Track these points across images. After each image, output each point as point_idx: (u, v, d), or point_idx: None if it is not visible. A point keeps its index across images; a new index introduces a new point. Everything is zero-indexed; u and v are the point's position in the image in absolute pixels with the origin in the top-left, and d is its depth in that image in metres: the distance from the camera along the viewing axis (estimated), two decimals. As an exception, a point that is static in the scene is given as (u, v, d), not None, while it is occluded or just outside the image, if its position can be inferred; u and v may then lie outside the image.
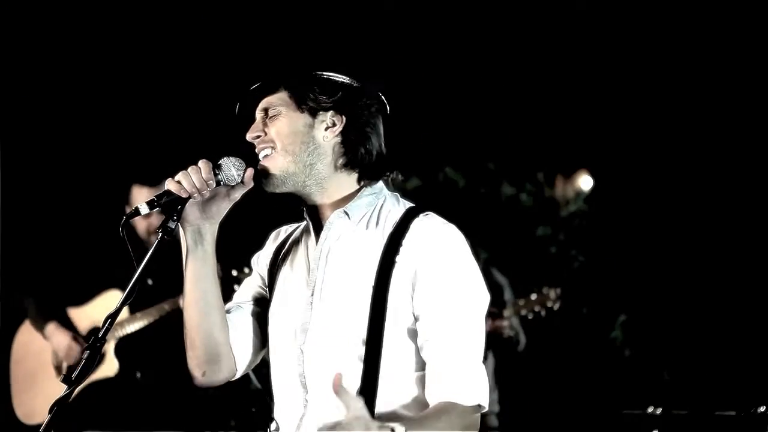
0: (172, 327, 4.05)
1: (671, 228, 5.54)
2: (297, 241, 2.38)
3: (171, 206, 2.20)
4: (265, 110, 2.31)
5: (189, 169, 2.21)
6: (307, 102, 2.28)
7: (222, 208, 2.27)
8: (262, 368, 2.49)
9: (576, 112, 5.84)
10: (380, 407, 2.18)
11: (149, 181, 4.50)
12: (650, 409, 3.82)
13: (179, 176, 2.21)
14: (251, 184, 2.27)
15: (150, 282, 4.34)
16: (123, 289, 4.37)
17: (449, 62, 5.54)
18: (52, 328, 4.42)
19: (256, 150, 2.29)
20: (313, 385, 2.24)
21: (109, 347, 4.32)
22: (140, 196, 4.44)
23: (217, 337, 2.28)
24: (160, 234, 2.19)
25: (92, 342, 2.10)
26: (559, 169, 6.44)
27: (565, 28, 5.24)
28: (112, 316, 2.16)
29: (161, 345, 4.20)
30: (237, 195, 2.28)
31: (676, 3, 4.99)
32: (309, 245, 2.33)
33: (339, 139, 2.29)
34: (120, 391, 4.28)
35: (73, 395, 4.63)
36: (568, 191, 6.46)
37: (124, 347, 4.33)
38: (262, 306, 2.38)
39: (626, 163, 5.72)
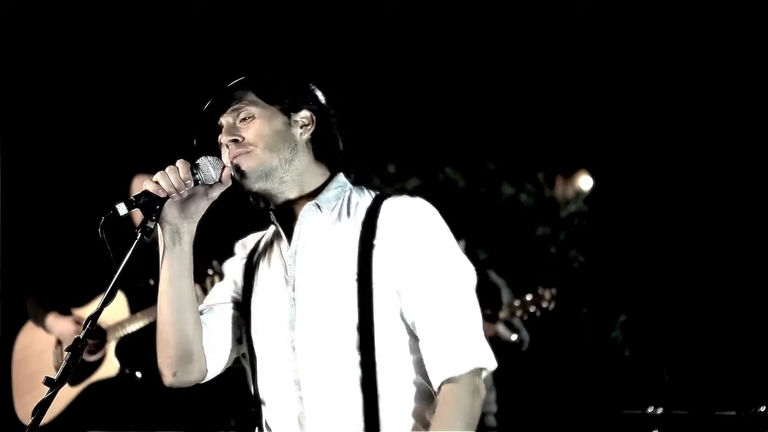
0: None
1: (671, 228, 5.54)
2: (269, 244, 2.40)
3: (149, 206, 2.21)
4: (236, 114, 2.32)
5: (167, 169, 2.23)
6: (281, 103, 2.32)
7: (200, 207, 2.28)
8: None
9: (576, 112, 5.84)
10: (382, 392, 2.18)
11: (151, 171, 4.51)
12: (650, 409, 3.83)
13: (157, 176, 2.23)
14: (229, 183, 2.29)
15: (152, 282, 4.34)
16: (123, 288, 4.40)
17: (449, 62, 5.55)
18: (52, 318, 4.42)
19: (232, 152, 2.29)
20: (308, 382, 2.23)
21: (110, 347, 4.32)
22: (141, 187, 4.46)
23: (190, 336, 2.29)
24: (139, 234, 2.20)
25: (73, 343, 2.10)
26: (559, 169, 6.44)
27: (565, 29, 5.24)
28: (93, 317, 2.16)
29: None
30: (215, 194, 2.29)
31: (676, 3, 4.99)
32: (282, 245, 2.34)
33: (312, 136, 2.34)
34: (120, 391, 4.28)
35: (74, 396, 4.63)
36: (568, 191, 6.46)
37: (124, 347, 4.34)
38: (234, 309, 2.39)
39: (626, 163, 5.72)
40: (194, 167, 2.25)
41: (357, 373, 2.19)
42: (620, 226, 5.84)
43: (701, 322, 5.39)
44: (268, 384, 2.32)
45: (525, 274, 5.60)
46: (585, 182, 6.40)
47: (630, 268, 5.75)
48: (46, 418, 4.65)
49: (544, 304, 4.72)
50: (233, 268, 2.44)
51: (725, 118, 5.23)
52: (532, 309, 4.74)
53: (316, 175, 2.34)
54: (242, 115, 2.31)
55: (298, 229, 2.30)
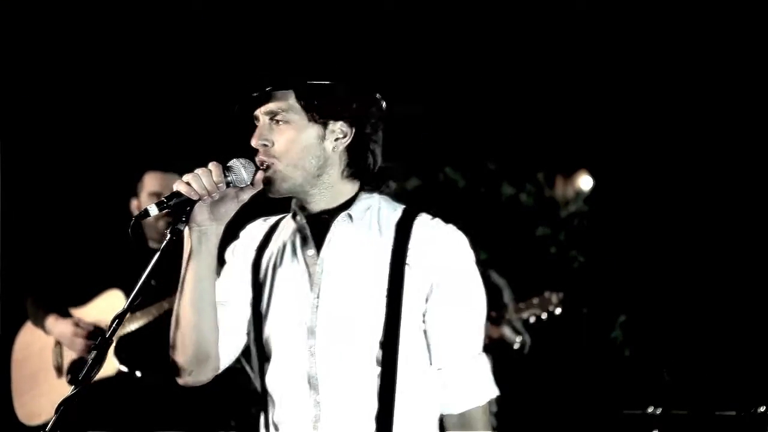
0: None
1: (671, 228, 5.54)
2: (288, 241, 2.37)
3: (180, 207, 2.19)
4: (272, 115, 2.28)
5: (199, 171, 2.20)
6: (320, 112, 2.26)
7: (230, 209, 2.26)
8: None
9: (576, 112, 5.84)
10: (398, 409, 2.21)
11: (161, 167, 4.53)
12: (650, 409, 3.83)
13: (189, 178, 2.19)
14: (260, 187, 2.26)
15: (153, 282, 4.33)
16: (124, 288, 4.40)
17: (449, 62, 5.54)
18: (52, 320, 4.41)
19: (260, 156, 2.27)
20: (325, 387, 2.24)
21: (110, 347, 4.32)
22: (153, 182, 4.47)
23: (209, 338, 2.29)
24: (169, 235, 2.18)
25: (99, 342, 2.10)
26: (559, 169, 6.44)
27: (565, 28, 5.23)
28: (119, 317, 2.15)
29: (161, 344, 4.19)
30: (245, 197, 2.27)
31: (676, 3, 4.99)
32: (306, 247, 2.32)
33: (347, 148, 2.29)
34: (120, 391, 4.27)
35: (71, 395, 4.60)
36: (568, 191, 6.46)
37: (123, 347, 4.33)
38: (243, 303, 2.38)
39: (626, 163, 5.72)
40: (226, 169, 2.22)
41: (375, 384, 2.21)
42: (620, 226, 5.84)
43: (701, 322, 5.39)
44: (281, 384, 2.32)
45: (525, 274, 5.60)
46: (585, 182, 6.40)
47: (630, 268, 5.74)
48: (45, 417, 4.67)
49: (551, 308, 4.73)
50: (241, 257, 2.41)
51: (726, 118, 5.23)
52: (538, 312, 4.75)
53: (347, 187, 2.32)
54: (277, 118, 2.27)
55: (329, 237, 2.28)
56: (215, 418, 4.40)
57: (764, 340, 5.03)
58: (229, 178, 2.22)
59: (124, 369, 4.24)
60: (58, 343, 4.42)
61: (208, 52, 5.16)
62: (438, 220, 2.31)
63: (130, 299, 2.20)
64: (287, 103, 2.26)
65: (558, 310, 4.74)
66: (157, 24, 5.18)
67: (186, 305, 2.28)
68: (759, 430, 3.52)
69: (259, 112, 2.29)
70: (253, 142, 2.28)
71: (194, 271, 2.26)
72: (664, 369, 5.53)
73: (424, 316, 2.26)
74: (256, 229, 2.44)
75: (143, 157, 4.78)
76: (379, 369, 2.21)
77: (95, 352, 2.10)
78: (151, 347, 4.33)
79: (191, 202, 2.19)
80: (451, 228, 2.31)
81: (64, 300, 4.47)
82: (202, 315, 2.27)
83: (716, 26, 4.96)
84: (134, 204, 4.56)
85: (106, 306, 4.39)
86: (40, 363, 4.46)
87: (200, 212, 2.22)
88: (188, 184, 2.18)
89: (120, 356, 4.30)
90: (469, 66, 5.62)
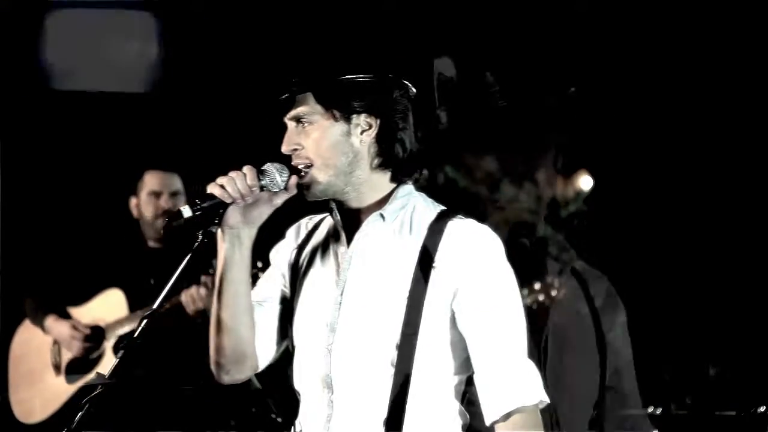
0: (171, 326, 4.06)
1: (671, 228, 5.54)
2: (324, 238, 2.38)
3: (213, 210, 2.20)
4: (297, 120, 2.28)
5: (234, 174, 2.21)
6: (341, 109, 2.26)
7: (263, 213, 2.27)
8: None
9: (576, 112, 5.83)
10: (410, 413, 2.18)
11: (161, 166, 4.55)
12: (650, 409, 3.82)
13: (224, 181, 2.21)
14: (294, 191, 2.27)
15: (152, 281, 4.34)
16: (123, 288, 4.39)
17: (450, 55, 5.54)
18: (50, 320, 4.42)
19: (294, 161, 2.27)
20: (339, 387, 2.24)
21: (108, 346, 4.32)
22: (153, 181, 4.48)
23: (245, 339, 2.30)
24: (201, 237, 2.21)
25: (128, 341, 2.12)
26: (560, 169, 6.42)
27: (565, 28, 5.23)
28: (149, 317, 2.18)
29: (161, 344, 4.19)
30: (279, 201, 2.28)
31: (676, 2, 4.99)
32: (338, 244, 2.32)
33: (374, 139, 2.28)
34: (119, 391, 4.27)
35: (71, 395, 4.63)
36: (568, 191, 6.45)
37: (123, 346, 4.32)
38: (282, 303, 2.38)
39: (626, 163, 5.72)
40: (260, 173, 2.24)
41: (389, 386, 2.19)
42: (620, 226, 5.83)
43: (701, 322, 5.39)
44: (301, 381, 2.33)
45: (525, 273, 5.58)
46: (585, 182, 6.39)
47: (630, 269, 5.74)
48: (43, 416, 4.67)
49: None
50: (282, 257, 2.42)
51: (726, 118, 5.22)
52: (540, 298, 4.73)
53: (380, 182, 2.30)
54: (303, 120, 2.27)
55: (359, 235, 2.28)
56: (215, 417, 4.39)
57: (764, 340, 5.02)
58: (263, 182, 2.23)
59: (128, 370, 4.25)
60: (57, 341, 4.42)
61: (206, 52, 5.15)
62: (472, 222, 2.27)
63: (161, 299, 2.23)
64: (308, 106, 2.26)
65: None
66: (156, 24, 5.17)
67: (221, 307, 2.29)
68: (759, 430, 3.52)
69: (287, 120, 2.30)
70: (283, 149, 2.28)
71: (228, 274, 2.27)
72: (664, 369, 5.52)
73: (453, 322, 2.22)
74: (300, 228, 2.44)
75: (143, 157, 4.78)
76: (392, 372, 2.19)
77: (123, 351, 2.14)
78: (151, 347, 4.33)
79: (224, 205, 2.21)
80: (484, 230, 2.27)
81: (63, 299, 4.48)
82: (237, 318, 2.28)
83: (716, 25, 4.96)
84: (133, 203, 4.56)
85: (105, 305, 4.39)
86: (38, 361, 4.46)
87: (233, 215, 2.23)
88: (222, 186, 2.20)
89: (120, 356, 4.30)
90: (469, 65, 5.61)
